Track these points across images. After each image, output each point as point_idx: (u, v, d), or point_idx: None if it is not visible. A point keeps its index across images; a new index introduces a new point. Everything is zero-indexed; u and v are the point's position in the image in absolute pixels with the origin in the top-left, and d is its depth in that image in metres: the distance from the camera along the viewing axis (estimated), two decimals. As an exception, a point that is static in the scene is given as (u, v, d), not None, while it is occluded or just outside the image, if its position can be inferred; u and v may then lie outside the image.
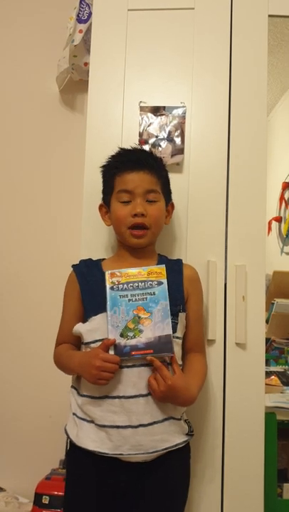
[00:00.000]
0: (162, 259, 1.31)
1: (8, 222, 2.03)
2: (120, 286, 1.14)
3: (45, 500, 1.70)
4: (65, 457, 1.25)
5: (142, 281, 1.14)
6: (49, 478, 1.77)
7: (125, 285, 1.14)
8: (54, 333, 1.30)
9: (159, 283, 1.13)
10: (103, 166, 1.31)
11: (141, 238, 1.23)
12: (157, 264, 1.27)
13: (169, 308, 1.12)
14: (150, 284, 1.13)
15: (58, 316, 1.30)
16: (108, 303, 1.13)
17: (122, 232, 1.24)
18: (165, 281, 1.14)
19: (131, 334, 1.10)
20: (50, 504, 1.69)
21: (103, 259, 1.32)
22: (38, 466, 1.83)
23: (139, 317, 1.11)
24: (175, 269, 1.28)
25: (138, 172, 1.23)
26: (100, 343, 1.13)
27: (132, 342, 1.09)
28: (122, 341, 1.10)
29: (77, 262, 1.31)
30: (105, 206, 1.31)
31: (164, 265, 1.17)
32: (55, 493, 1.70)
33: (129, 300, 1.12)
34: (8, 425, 1.96)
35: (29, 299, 1.99)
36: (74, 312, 1.24)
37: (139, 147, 1.35)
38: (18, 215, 2.03)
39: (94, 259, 1.32)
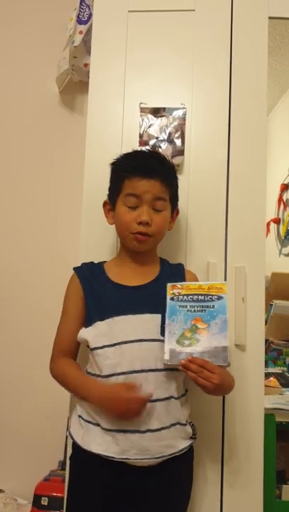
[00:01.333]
0: (164, 264, 1.31)
1: (8, 222, 2.03)
2: (180, 297, 1.16)
3: (44, 501, 1.69)
4: (69, 459, 1.24)
5: (201, 295, 1.16)
6: (48, 480, 1.77)
7: (185, 297, 1.16)
8: (52, 334, 1.28)
9: (219, 297, 1.15)
10: (114, 164, 1.28)
11: (142, 243, 1.22)
12: (160, 269, 1.28)
13: (227, 321, 1.13)
14: (210, 298, 1.15)
15: (57, 316, 1.28)
16: (167, 311, 1.15)
17: (125, 235, 1.23)
18: (225, 296, 1.16)
19: (187, 342, 1.11)
20: (49, 505, 1.69)
21: (104, 261, 1.31)
22: (37, 468, 1.83)
23: (197, 327, 1.13)
24: (177, 273, 1.29)
25: (149, 179, 1.20)
26: (108, 348, 1.14)
27: (188, 350, 1.10)
28: (177, 348, 1.11)
29: (79, 265, 1.30)
30: (110, 204, 1.29)
31: (226, 282, 1.20)
32: (54, 494, 1.70)
33: (188, 310, 1.15)
34: (7, 426, 1.96)
35: (28, 299, 1.99)
36: (76, 316, 1.23)
37: (154, 151, 1.32)
38: (18, 216, 2.03)
39: (95, 261, 1.31)
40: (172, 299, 1.16)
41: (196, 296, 1.16)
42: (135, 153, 1.29)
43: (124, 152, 1.31)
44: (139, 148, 1.39)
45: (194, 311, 1.14)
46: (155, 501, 1.14)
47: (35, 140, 2.03)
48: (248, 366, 1.37)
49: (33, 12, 2.06)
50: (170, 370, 1.14)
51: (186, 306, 1.15)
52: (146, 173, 1.20)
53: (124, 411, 1.08)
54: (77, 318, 1.22)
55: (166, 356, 1.11)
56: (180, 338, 1.12)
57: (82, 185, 1.44)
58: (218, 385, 1.07)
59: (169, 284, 1.18)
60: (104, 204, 1.31)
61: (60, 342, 1.24)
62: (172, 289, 1.17)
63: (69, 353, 1.24)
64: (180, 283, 1.19)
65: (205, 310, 1.14)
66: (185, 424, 1.19)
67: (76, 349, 1.25)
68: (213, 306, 1.14)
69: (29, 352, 1.95)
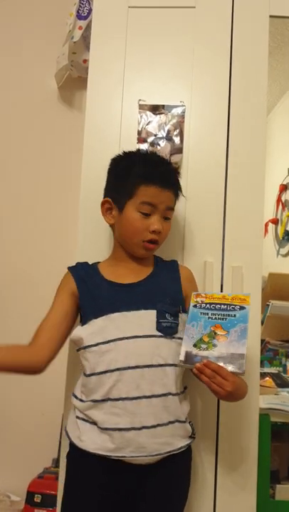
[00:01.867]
0: (158, 261, 1.31)
1: (4, 219, 2.02)
2: (203, 305, 1.18)
3: (38, 498, 1.70)
4: (65, 458, 1.23)
5: (224, 304, 1.17)
6: (42, 477, 1.77)
7: (208, 305, 1.18)
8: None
9: (242, 307, 1.16)
10: (123, 165, 1.25)
11: (150, 251, 1.24)
12: (154, 266, 1.28)
13: (247, 330, 1.12)
14: (232, 308, 1.16)
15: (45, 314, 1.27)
16: (188, 317, 1.16)
17: (134, 242, 1.22)
18: (248, 307, 1.16)
19: (204, 346, 1.11)
20: (42, 503, 1.69)
21: (98, 262, 1.30)
22: (31, 465, 1.83)
23: (216, 333, 1.13)
24: (171, 270, 1.29)
25: (164, 189, 1.20)
26: (102, 345, 1.13)
27: (204, 353, 1.10)
28: (193, 350, 1.11)
29: (74, 264, 1.29)
30: (111, 203, 1.25)
31: (249, 293, 1.19)
32: (48, 491, 1.70)
33: (209, 318, 1.15)
34: (1, 423, 1.95)
35: (23, 296, 1.98)
36: (62, 303, 1.21)
37: (167, 160, 1.31)
38: (14, 212, 2.02)
39: (90, 262, 1.30)
40: (195, 306, 1.18)
41: (219, 305, 1.17)
42: (151, 159, 1.26)
43: (132, 150, 1.30)
44: (140, 146, 1.41)
45: (215, 318, 1.15)
46: (153, 501, 1.13)
47: (33, 135, 2.03)
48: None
49: (33, 7, 2.06)
50: (168, 365, 1.14)
51: (207, 314, 1.16)
52: (164, 183, 1.21)
53: None
54: (61, 308, 1.20)
55: (181, 357, 1.11)
56: (198, 342, 1.12)
57: (80, 181, 1.44)
58: (230, 392, 1.06)
59: (193, 293, 1.20)
60: (104, 203, 1.27)
61: (39, 326, 1.20)
62: (196, 298, 1.19)
63: (36, 343, 1.18)
64: (205, 292, 1.22)
65: (226, 318, 1.15)
66: (184, 422, 1.18)
67: (46, 342, 1.18)
68: (234, 315, 1.15)
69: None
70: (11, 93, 2.05)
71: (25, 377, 1.92)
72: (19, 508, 1.78)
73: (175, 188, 1.25)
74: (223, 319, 1.14)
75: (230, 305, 1.16)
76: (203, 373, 1.07)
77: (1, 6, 2.08)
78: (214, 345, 1.11)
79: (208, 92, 1.46)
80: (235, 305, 1.16)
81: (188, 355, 1.11)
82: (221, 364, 1.08)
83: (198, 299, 1.19)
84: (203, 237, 1.42)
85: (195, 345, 1.12)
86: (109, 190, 1.28)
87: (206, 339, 1.12)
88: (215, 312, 1.16)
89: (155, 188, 1.19)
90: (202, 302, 1.18)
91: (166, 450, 1.12)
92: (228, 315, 1.15)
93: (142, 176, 1.20)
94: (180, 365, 1.12)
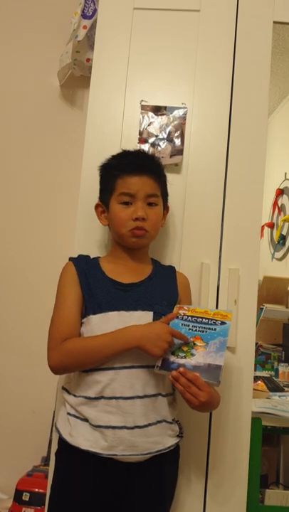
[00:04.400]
0: (156, 264, 1.32)
1: (4, 216, 2.02)
2: (185, 317, 1.18)
3: (26, 497, 1.69)
4: (55, 454, 1.23)
5: (206, 318, 1.18)
6: (30, 475, 1.76)
7: (190, 317, 1.18)
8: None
9: (223, 323, 1.17)
10: (103, 166, 1.30)
11: (140, 238, 1.23)
12: (152, 268, 1.28)
13: (226, 344, 1.13)
14: (214, 322, 1.17)
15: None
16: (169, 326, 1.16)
17: (122, 233, 1.22)
18: (229, 323, 1.17)
19: (182, 354, 1.12)
20: (30, 501, 1.68)
21: (98, 257, 1.31)
22: (20, 463, 1.82)
23: (195, 343, 1.14)
24: (169, 274, 1.30)
25: (140, 176, 1.22)
26: None
27: (181, 361, 1.11)
28: (171, 357, 1.12)
29: (75, 256, 1.29)
30: (102, 206, 1.29)
31: (231, 310, 1.21)
32: (36, 490, 1.69)
33: (190, 329, 1.16)
34: (-9, 420, 1.94)
35: (19, 293, 1.97)
36: (75, 300, 1.18)
37: (141, 150, 1.33)
38: (14, 209, 2.01)
39: (91, 256, 1.30)
40: (177, 317, 1.18)
41: (200, 319, 1.18)
42: (124, 153, 1.30)
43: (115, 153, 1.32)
44: (141, 147, 1.42)
45: (196, 330, 1.16)
46: (141, 498, 1.14)
47: (34, 132, 2.02)
48: (238, 368, 1.37)
49: (38, 5, 2.05)
50: None
51: (188, 325, 1.17)
52: (137, 169, 1.22)
53: (165, 343, 1.08)
54: (77, 305, 1.18)
55: (158, 363, 1.11)
56: (176, 350, 1.13)
57: (80, 179, 1.43)
58: (204, 403, 1.07)
59: (176, 306, 1.21)
60: (97, 206, 1.30)
61: (60, 331, 1.16)
62: (178, 310, 1.20)
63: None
64: (187, 306, 1.22)
65: (206, 331, 1.16)
66: (171, 423, 1.19)
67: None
68: (215, 328, 1.16)
69: (13, 346, 1.94)
70: (13, 90, 2.04)
71: (16, 375, 1.93)
72: (7, 506, 1.77)
73: (154, 174, 1.24)
74: (203, 331, 1.15)
75: (211, 319, 1.17)
76: (178, 381, 1.07)
77: (6, 2, 2.07)
78: (192, 355, 1.12)
79: (210, 95, 1.47)
80: (217, 320, 1.17)
81: (165, 362, 1.11)
82: (197, 373, 1.08)
83: (181, 311, 1.19)
84: (201, 239, 1.42)
85: (173, 353, 1.13)
86: (100, 194, 1.31)
87: (185, 348, 1.13)
88: (196, 325, 1.16)
89: (129, 177, 1.22)
90: (184, 314, 1.19)
91: (156, 449, 1.13)
92: (209, 328, 1.16)
93: (117, 169, 1.24)
94: (156, 371, 1.12)
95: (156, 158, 1.33)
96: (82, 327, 1.18)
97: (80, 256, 1.29)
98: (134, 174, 1.21)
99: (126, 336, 1.11)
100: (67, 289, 1.20)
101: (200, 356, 1.11)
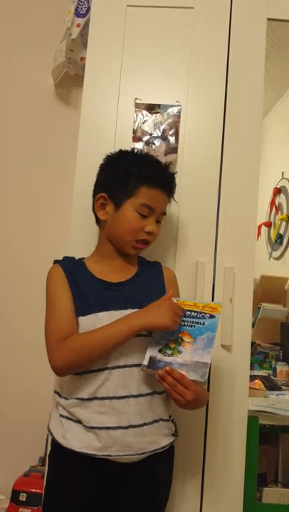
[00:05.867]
0: (142, 261, 1.31)
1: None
2: None
3: (23, 497, 1.68)
4: (48, 457, 1.22)
5: (194, 311, 1.16)
6: (27, 475, 1.76)
7: None
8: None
9: (212, 316, 1.15)
10: (127, 165, 1.23)
11: (139, 251, 1.25)
12: (138, 265, 1.28)
13: (214, 340, 1.12)
14: (202, 316, 1.16)
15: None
16: None
17: (127, 240, 1.22)
18: (218, 316, 1.16)
19: (169, 352, 1.11)
20: (27, 501, 1.67)
21: (83, 258, 1.29)
22: (17, 463, 1.81)
23: (182, 340, 1.13)
24: (155, 270, 1.30)
25: (164, 194, 1.24)
26: None
27: (168, 359, 1.10)
28: (158, 356, 1.11)
29: (60, 259, 1.27)
30: (107, 200, 1.23)
31: (220, 303, 1.20)
32: (33, 490, 1.68)
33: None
34: (-12, 421, 1.94)
35: (14, 295, 1.97)
36: (70, 300, 1.16)
37: (167, 165, 1.31)
38: (8, 209, 2.01)
39: (77, 257, 1.29)
40: None
41: (189, 312, 1.16)
42: (152, 161, 1.28)
43: (130, 150, 1.32)
44: (135, 145, 1.42)
45: (183, 325, 1.15)
46: (136, 499, 1.13)
47: (28, 132, 2.02)
48: (234, 367, 1.37)
49: (31, 3, 2.05)
50: None
51: None
52: (165, 187, 1.24)
53: (174, 314, 1.09)
54: (72, 305, 1.16)
55: (145, 362, 1.11)
56: (163, 347, 1.12)
57: (74, 178, 1.43)
58: (190, 401, 1.06)
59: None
60: (99, 198, 1.25)
61: (59, 332, 1.13)
62: None
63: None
64: (176, 298, 1.20)
65: (194, 325, 1.15)
66: (168, 420, 1.19)
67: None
68: (203, 323, 1.15)
69: (13, 347, 1.93)
70: (6, 89, 2.04)
71: (13, 376, 1.92)
72: (3, 507, 1.76)
73: (171, 194, 1.28)
74: (191, 326, 1.14)
75: (200, 313, 1.16)
76: (164, 381, 1.07)
77: (-1, 1, 2.07)
78: (179, 352, 1.11)
79: (205, 93, 1.46)
80: (206, 313, 1.16)
81: (152, 361, 1.11)
82: (184, 371, 1.08)
83: None
84: (196, 237, 1.42)
85: (160, 351, 1.12)
86: (104, 186, 1.25)
87: (172, 345, 1.12)
88: (184, 319, 1.15)
89: (157, 191, 1.21)
90: None
91: (151, 449, 1.13)
92: (197, 322, 1.15)
93: (145, 178, 1.21)
94: (143, 370, 1.11)
95: (174, 174, 1.31)
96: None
97: (65, 258, 1.28)
98: (160, 189, 1.22)
99: (131, 319, 1.11)
100: (58, 291, 1.18)
101: (187, 353, 1.11)
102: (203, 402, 1.16)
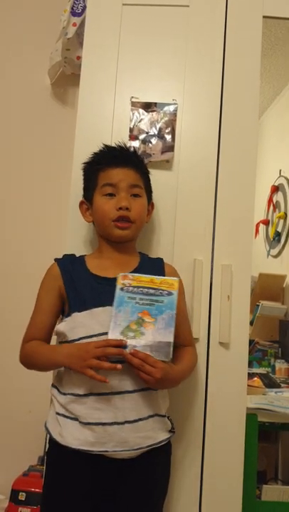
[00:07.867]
0: (143, 257, 1.32)
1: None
2: (130, 288, 1.15)
3: (22, 496, 1.68)
4: (46, 455, 1.22)
5: (152, 288, 1.15)
6: (27, 475, 1.75)
7: (135, 288, 1.15)
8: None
9: (170, 293, 1.15)
10: (86, 163, 1.32)
11: (125, 230, 1.23)
12: (140, 260, 1.28)
13: (174, 318, 1.12)
14: (160, 293, 1.15)
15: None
16: (115, 302, 1.14)
17: (106, 225, 1.23)
18: (176, 292, 1.15)
19: (132, 334, 1.11)
20: (26, 501, 1.67)
21: (85, 255, 1.31)
22: (16, 462, 1.81)
23: (143, 320, 1.12)
24: (157, 266, 1.30)
25: (122, 168, 1.24)
26: (85, 339, 1.13)
27: (132, 342, 1.10)
28: (122, 339, 1.11)
29: (60, 256, 1.29)
30: (86, 203, 1.31)
31: (178, 278, 1.19)
32: (32, 489, 1.68)
33: (136, 303, 1.14)
34: (-13, 420, 1.94)
35: (12, 292, 1.97)
36: (50, 306, 1.23)
37: (122, 144, 1.34)
38: (5, 208, 2.01)
39: (77, 255, 1.31)
40: (122, 289, 1.15)
41: (146, 290, 1.15)
42: (105, 148, 1.32)
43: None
44: (132, 143, 1.43)
45: (143, 304, 1.14)
46: (134, 495, 1.14)
47: (25, 131, 2.02)
48: (232, 364, 1.37)
49: (27, 2, 2.05)
50: None
51: (134, 298, 1.14)
52: (118, 161, 1.25)
53: (92, 356, 1.07)
54: (51, 308, 1.23)
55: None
56: (125, 329, 1.11)
57: (70, 177, 1.43)
58: (160, 379, 1.08)
59: (120, 274, 1.17)
60: (81, 204, 1.32)
61: (31, 333, 1.24)
62: (123, 279, 1.16)
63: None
64: (132, 274, 1.18)
65: (154, 304, 1.14)
66: (164, 416, 1.19)
67: (48, 341, 1.24)
68: (162, 301, 1.14)
69: (11, 346, 1.93)
70: (3, 89, 2.04)
71: (12, 375, 1.92)
72: (3, 506, 1.76)
73: (135, 166, 1.27)
74: (151, 305, 1.14)
75: (158, 289, 1.15)
76: (132, 362, 1.08)
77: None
78: (142, 333, 1.11)
79: (201, 91, 1.46)
80: (163, 290, 1.15)
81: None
82: (148, 352, 1.09)
83: (126, 281, 1.16)
84: (194, 235, 1.42)
85: (122, 333, 1.11)
86: (83, 192, 1.33)
87: (134, 327, 1.12)
88: (142, 297, 1.14)
89: (111, 168, 1.24)
90: (129, 285, 1.15)
91: (147, 444, 1.13)
92: (156, 301, 1.14)
93: (99, 163, 1.27)
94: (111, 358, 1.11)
95: (137, 152, 1.35)
96: (65, 325, 1.18)
97: (65, 255, 1.30)
98: (116, 166, 1.24)
99: (59, 353, 1.16)
100: (43, 294, 1.25)
101: (149, 334, 1.11)
102: (176, 380, 1.17)
